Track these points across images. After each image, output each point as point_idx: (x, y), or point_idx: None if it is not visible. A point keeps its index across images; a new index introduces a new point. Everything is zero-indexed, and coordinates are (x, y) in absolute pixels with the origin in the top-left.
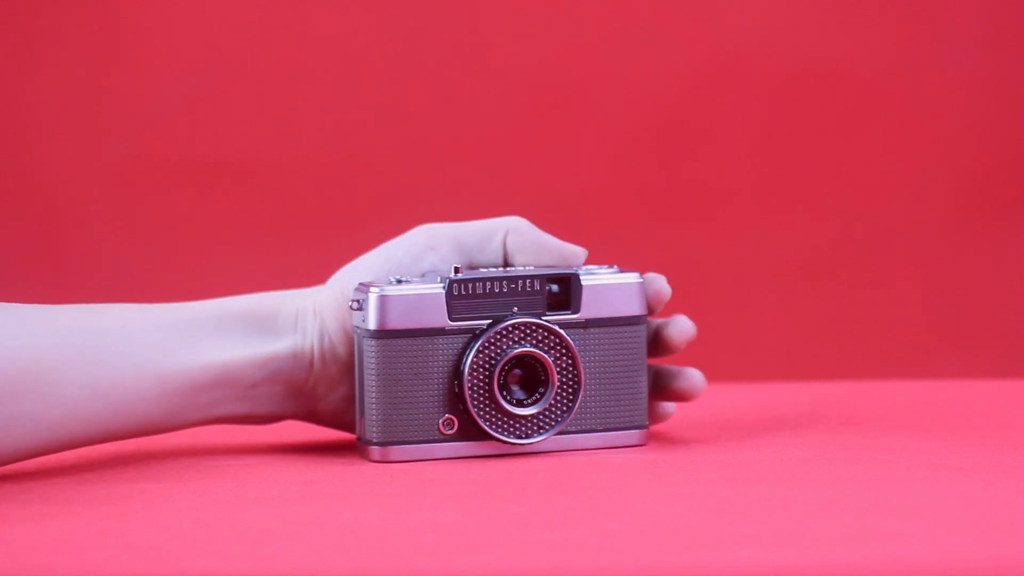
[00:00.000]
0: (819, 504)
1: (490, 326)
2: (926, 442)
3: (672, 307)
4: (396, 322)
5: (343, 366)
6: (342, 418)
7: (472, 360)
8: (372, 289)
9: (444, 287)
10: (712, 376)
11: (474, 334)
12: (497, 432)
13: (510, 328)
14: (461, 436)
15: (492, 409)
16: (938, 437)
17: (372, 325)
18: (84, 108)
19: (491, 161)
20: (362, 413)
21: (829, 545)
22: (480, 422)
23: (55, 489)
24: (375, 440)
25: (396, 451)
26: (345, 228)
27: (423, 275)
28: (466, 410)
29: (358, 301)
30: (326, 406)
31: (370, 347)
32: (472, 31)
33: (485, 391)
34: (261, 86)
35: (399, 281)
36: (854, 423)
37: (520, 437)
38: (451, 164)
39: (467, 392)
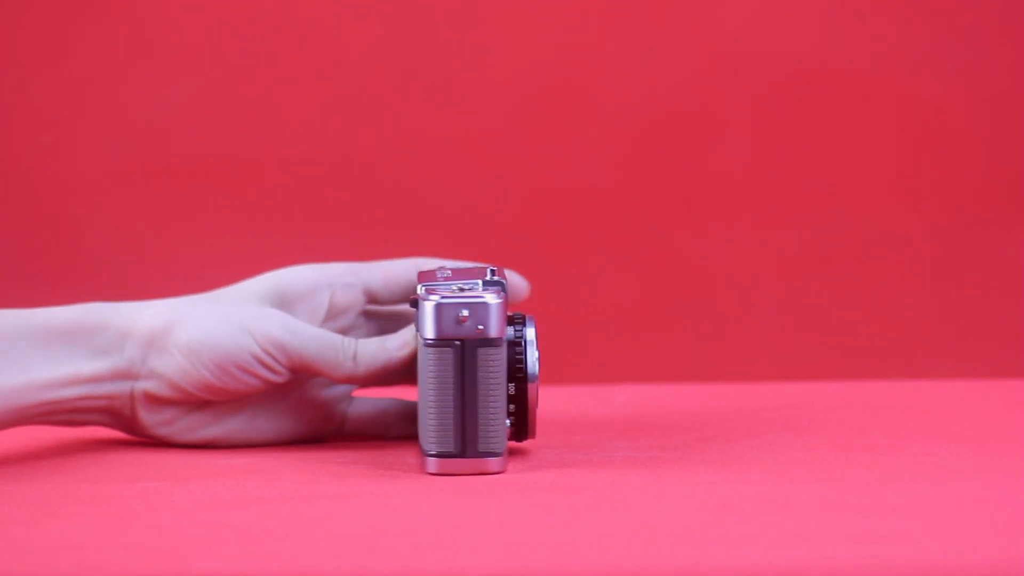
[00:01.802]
0: (819, 504)
1: (523, 328)
2: (926, 442)
3: (672, 307)
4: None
5: (167, 401)
6: (159, 436)
7: (536, 362)
8: (474, 298)
9: (499, 296)
10: (712, 376)
11: (518, 338)
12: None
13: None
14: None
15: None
16: (938, 437)
17: (494, 333)
18: (82, 109)
19: (489, 161)
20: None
21: (829, 545)
22: (534, 423)
23: (55, 489)
24: (499, 451)
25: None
26: (344, 228)
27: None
28: (524, 412)
29: (468, 308)
30: (142, 429)
31: (497, 356)
32: (471, 31)
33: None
34: (260, 87)
35: (460, 289)
36: (854, 423)
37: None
38: (449, 164)
39: (535, 394)
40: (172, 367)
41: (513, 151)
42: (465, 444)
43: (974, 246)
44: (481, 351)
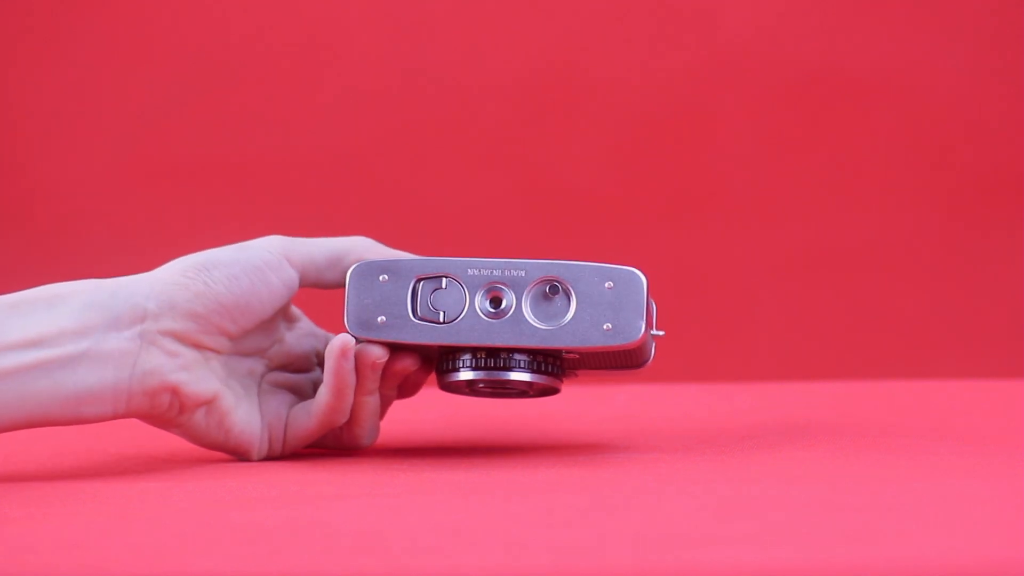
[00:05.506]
0: (819, 504)
1: None
2: (926, 442)
3: (672, 307)
4: None
5: (184, 339)
6: (172, 384)
7: None
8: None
9: None
10: (712, 376)
11: None
12: None
13: None
14: None
15: None
16: (938, 437)
17: None
18: (79, 108)
19: (489, 161)
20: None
21: (829, 545)
22: None
23: (55, 489)
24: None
25: None
26: (343, 228)
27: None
28: None
29: None
30: (156, 388)
31: None
32: (470, 30)
33: None
34: (257, 86)
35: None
36: (854, 423)
37: None
38: (449, 164)
39: None
40: (184, 295)
41: (513, 151)
42: None
43: (974, 246)
44: None
